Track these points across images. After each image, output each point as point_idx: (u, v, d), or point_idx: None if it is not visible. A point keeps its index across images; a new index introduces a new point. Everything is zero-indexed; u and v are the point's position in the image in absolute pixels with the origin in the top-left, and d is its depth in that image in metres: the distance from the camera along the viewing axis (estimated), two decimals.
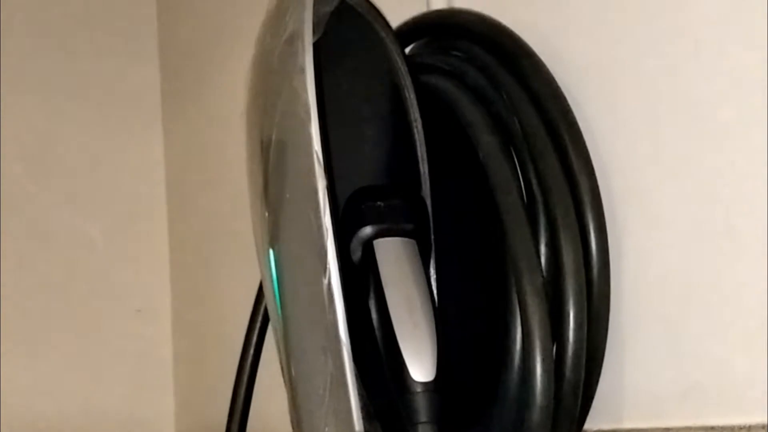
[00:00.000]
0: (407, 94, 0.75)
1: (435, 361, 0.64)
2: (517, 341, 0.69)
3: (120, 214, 1.49)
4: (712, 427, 0.64)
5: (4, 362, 1.36)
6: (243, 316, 0.91)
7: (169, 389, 1.47)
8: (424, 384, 0.63)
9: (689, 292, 0.67)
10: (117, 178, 1.50)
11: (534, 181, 0.72)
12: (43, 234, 1.44)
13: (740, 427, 0.63)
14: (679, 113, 0.68)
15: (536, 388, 0.66)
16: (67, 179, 1.47)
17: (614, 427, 0.71)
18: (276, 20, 0.71)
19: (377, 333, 0.66)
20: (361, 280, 0.68)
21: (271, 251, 0.69)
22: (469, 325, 0.75)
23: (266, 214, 0.70)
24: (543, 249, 0.71)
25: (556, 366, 0.67)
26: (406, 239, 0.69)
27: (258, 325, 0.90)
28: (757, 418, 0.62)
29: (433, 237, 0.72)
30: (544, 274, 0.69)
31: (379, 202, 0.69)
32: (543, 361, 0.66)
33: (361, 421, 0.62)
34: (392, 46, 0.75)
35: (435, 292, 0.72)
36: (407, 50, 0.81)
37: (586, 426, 0.71)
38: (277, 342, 0.71)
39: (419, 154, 0.75)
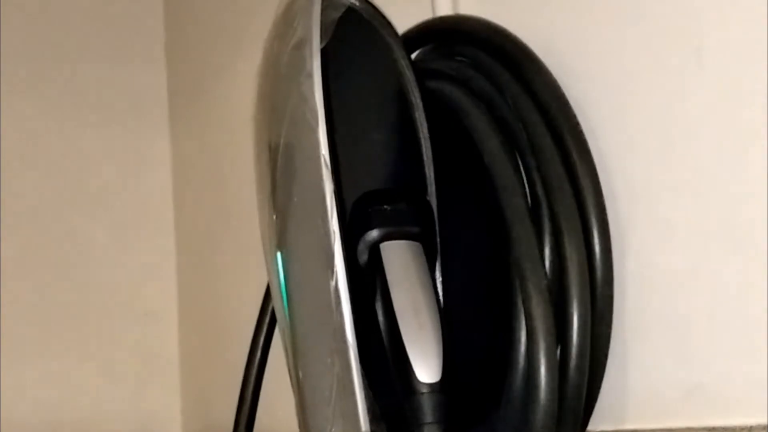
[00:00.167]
0: (413, 99, 0.75)
1: (440, 362, 0.64)
2: (521, 343, 0.70)
3: (127, 215, 1.49)
4: (714, 428, 0.64)
5: (11, 363, 1.36)
6: (250, 317, 0.92)
7: (176, 390, 1.47)
8: (430, 385, 0.63)
9: (692, 294, 0.67)
10: (125, 179, 1.50)
11: (538, 185, 0.72)
12: (52, 236, 1.44)
13: (742, 428, 0.62)
14: (682, 116, 0.68)
15: (540, 389, 0.66)
16: (75, 181, 1.47)
17: (617, 428, 0.71)
18: (284, 26, 0.71)
19: (383, 335, 0.66)
20: (368, 282, 0.68)
21: (278, 254, 0.69)
22: (475, 327, 0.75)
23: (274, 217, 0.70)
24: (547, 251, 0.71)
25: (560, 367, 0.67)
26: (412, 242, 0.69)
27: (265, 326, 0.90)
28: (758, 419, 0.62)
29: (438, 240, 0.72)
30: (549, 276, 0.70)
31: (385, 206, 0.69)
32: (547, 362, 0.66)
33: (367, 421, 0.62)
34: (399, 52, 0.75)
35: (440, 294, 0.72)
36: (413, 56, 0.81)
37: (589, 427, 0.71)
38: (284, 343, 0.71)
39: (425, 158, 0.75)
